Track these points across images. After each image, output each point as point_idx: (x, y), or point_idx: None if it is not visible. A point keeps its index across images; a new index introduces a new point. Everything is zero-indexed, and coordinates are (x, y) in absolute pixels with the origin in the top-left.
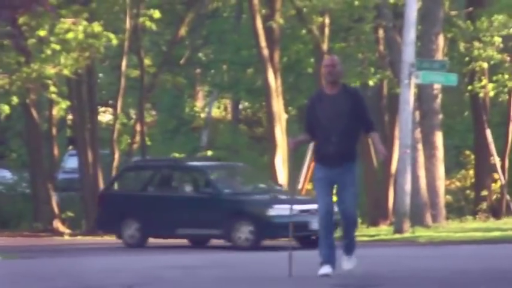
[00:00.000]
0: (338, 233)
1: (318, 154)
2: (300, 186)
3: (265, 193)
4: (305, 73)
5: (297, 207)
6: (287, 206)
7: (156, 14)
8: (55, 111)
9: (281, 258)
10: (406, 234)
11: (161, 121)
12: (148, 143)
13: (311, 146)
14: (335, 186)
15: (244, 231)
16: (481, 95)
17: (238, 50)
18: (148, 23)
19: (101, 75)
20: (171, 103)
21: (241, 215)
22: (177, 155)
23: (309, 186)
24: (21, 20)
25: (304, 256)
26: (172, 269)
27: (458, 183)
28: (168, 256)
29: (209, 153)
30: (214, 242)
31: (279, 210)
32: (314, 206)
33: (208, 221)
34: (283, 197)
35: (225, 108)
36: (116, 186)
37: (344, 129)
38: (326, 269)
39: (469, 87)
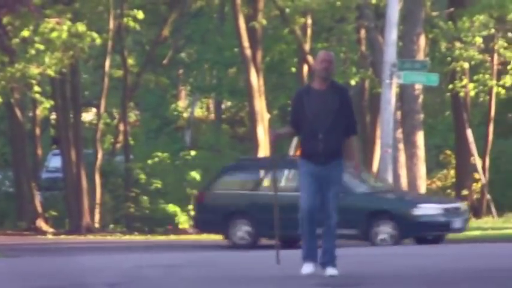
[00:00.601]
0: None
1: (305, 151)
2: None
3: (396, 192)
4: (288, 73)
5: (442, 206)
6: (431, 205)
7: (140, 14)
8: (39, 111)
9: (264, 256)
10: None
11: (145, 121)
12: (132, 142)
13: (293, 142)
14: (320, 181)
15: (385, 231)
16: (462, 94)
17: (221, 50)
18: (131, 23)
19: (85, 76)
20: (155, 103)
21: (381, 215)
22: (160, 154)
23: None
24: (5, 20)
25: (290, 254)
26: (154, 267)
27: (439, 183)
28: (150, 255)
29: (192, 153)
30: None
31: (425, 209)
32: (455, 205)
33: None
34: (423, 196)
35: (208, 108)
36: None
37: (331, 126)
38: (308, 268)
39: (450, 87)
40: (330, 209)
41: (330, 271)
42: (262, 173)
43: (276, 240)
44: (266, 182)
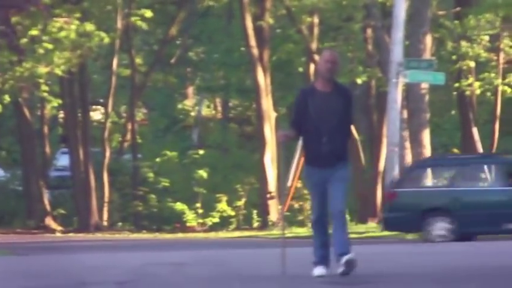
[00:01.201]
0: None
1: (309, 155)
2: (289, 183)
3: None
4: (295, 72)
5: None
6: None
7: (148, 13)
8: (47, 110)
9: (271, 255)
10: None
11: (152, 120)
12: (139, 141)
13: (300, 143)
14: (327, 186)
15: None
16: (468, 93)
17: (229, 51)
18: (139, 23)
19: (94, 76)
20: (162, 102)
21: None
22: (168, 153)
23: (298, 183)
24: (14, 20)
25: (297, 253)
26: (162, 266)
27: None
28: (158, 253)
29: (201, 152)
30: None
31: None
32: None
33: None
34: None
35: (215, 107)
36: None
37: (336, 128)
38: (320, 270)
39: (456, 85)
40: (338, 208)
41: (347, 257)
42: (458, 168)
43: (282, 236)
44: (467, 178)
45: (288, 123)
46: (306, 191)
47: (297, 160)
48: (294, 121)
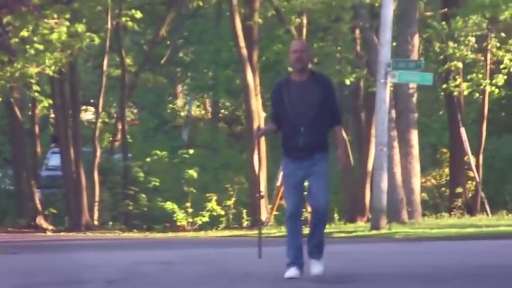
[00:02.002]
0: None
1: (286, 147)
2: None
3: None
4: (284, 72)
5: None
6: None
7: (138, 14)
8: (38, 110)
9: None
10: (383, 231)
11: (143, 119)
12: (130, 140)
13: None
14: (306, 180)
15: None
16: (456, 93)
17: (219, 51)
18: (129, 23)
19: (84, 75)
20: (152, 102)
21: None
22: (158, 152)
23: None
24: (5, 20)
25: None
26: (152, 264)
27: (433, 181)
28: (148, 252)
29: (191, 151)
30: None
31: None
32: None
33: None
34: None
35: (205, 107)
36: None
37: (314, 119)
38: (293, 272)
39: (444, 86)
40: (319, 204)
41: (316, 268)
42: None
43: (259, 232)
44: None
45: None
46: None
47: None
48: (272, 115)
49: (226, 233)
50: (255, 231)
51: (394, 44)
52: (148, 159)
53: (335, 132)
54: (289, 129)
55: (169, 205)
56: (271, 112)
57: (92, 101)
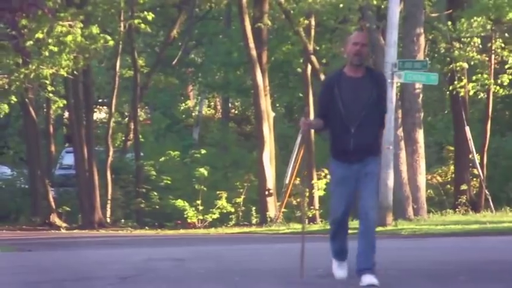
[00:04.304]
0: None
1: (335, 148)
2: (287, 181)
3: None
4: (292, 73)
5: None
6: None
7: (150, 16)
8: (52, 110)
9: (269, 250)
10: (389, 227)
11: (155, 119)
12: (142, 140)
13: (298, 139)
14: (356, 185)
15: None
16: (462, 94)
17: (229, 53)
18: (142, 25)
19: (99, 77)
20: (164, 102)
21: None
22: (171, 152)
23: (296, 180)
24: (21, 23)
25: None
26: (163, 261)
27: (439, 178)
28: (160, 249)
29: (203, 151)
30: None
31: None
32: None
33: None
34: None
35: (215, 107)
36: None
37: (366, 119)
38: (343, 271)
39: (451, 88)
40: (368, 208)
41: (368, 279)
42: None
43: (301, 246)
44: None
45: (288, 125)
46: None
47: (295, 157)
48: (319, 112)
49: (236, 229)
50: (264, 228)
51: (401, 44)
52: (162, 158)
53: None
54: (339, 129)
55: (180, 203)
56: (318, 108)
57: (105, 101)
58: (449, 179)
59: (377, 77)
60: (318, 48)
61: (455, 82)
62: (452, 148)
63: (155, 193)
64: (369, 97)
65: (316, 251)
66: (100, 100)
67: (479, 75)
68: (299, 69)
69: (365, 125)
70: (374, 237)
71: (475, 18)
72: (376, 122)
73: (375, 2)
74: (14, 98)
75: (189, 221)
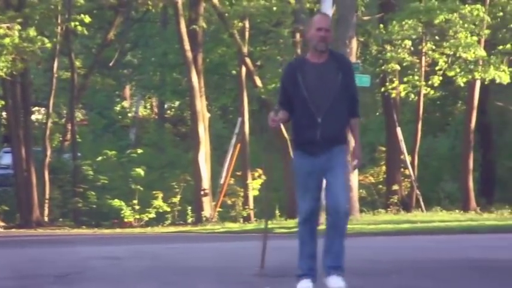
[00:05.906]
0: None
1: (299, 139)
2: (222, 181)
3: None
4: (227, 74)
5: None
6: None
7: (86, 18)
8: None
9: (204, 249)
10: (322, 226)
11: (92, 120)
12: (79, 140)
13: (233, 139)
14: (323, 177)
15: None
16: (393, 95)
17: (165, 54)
18: (79, 27)
19: (36, 78)
20: (101, 103)
21: None
22: (108, 152)
23: (231, 180)
24: None
25: (231, 248)
26: (101, 259)
27: (371, 178)
28: (97, 247)
29: (139, 151)
30: None
31: None
32: None
33: None
34: None
35: (152, 108)
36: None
37: (333, 107)
38: (306, 284)
39: (382, 89)
40: (339, 201)
41: (335, 282)
42: None
43: (264, 238)
44: None
45: (224, 126)
46: (239, 188)
47: (230, 157)
48: (281, 101)
49: (172, 229)
50: (199, 228)
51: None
52: (100, 158)
53: (351, 125)
54: (304, 119)
55: (117, 202)
56: (279, 98)
57: (43, 102)
58: (381, 179)
59: (341, 60)
60: (252, 50)
61: (387, 84)
62: (384, 149)
63: (92, 193)
64: (334, 83)
65: (251, 251)
66: (38, 101)
67: (411, 76)
68: (234, 71)
69: (333, 113)
70: (344, 233)
71: (406, 20)
72: (344, 110)
73: (307, 5)
74: None
75: (125, 220)
